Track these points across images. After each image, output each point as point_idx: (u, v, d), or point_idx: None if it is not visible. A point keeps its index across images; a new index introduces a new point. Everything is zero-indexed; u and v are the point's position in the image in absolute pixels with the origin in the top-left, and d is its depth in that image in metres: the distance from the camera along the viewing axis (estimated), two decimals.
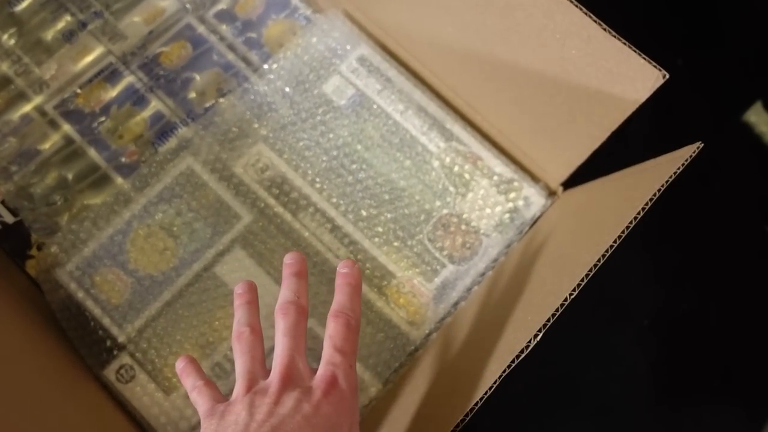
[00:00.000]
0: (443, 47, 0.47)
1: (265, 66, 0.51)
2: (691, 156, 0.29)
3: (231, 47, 0.53)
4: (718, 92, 0.70)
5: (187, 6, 0.54)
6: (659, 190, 0.28)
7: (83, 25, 0.53)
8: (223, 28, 0.54)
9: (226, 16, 0.55)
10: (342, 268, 0.33)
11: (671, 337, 0.58)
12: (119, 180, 0.49)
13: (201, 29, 0.54)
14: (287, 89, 0.50)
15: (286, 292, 0.32)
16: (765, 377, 0.58)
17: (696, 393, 0.57)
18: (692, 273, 0.62)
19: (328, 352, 0.30)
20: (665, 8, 0.70)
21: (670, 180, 0.29)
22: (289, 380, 0.29)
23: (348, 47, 0.51)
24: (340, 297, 0.32)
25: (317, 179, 0.48)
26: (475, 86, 0.48)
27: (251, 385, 0.29)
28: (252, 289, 0.33)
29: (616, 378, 0.56)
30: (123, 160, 0.49)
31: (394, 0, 0.48)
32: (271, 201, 0.47)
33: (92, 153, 0.50)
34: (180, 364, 0.33)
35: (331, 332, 0.30)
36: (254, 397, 0.28)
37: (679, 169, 0.28)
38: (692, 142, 0.35)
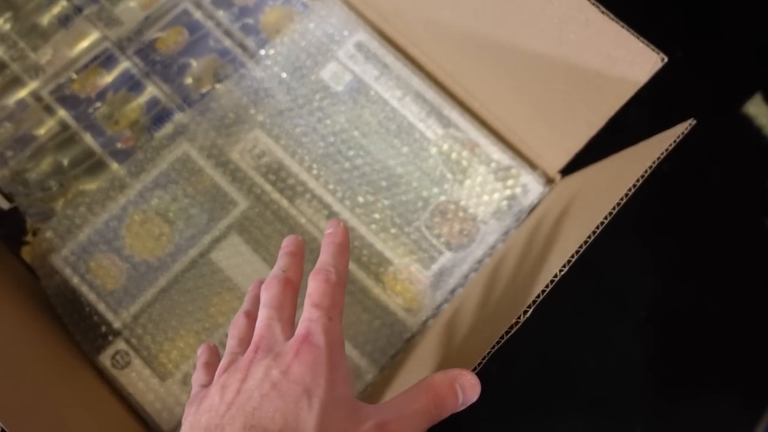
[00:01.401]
0: (441, 32, 0.47)
1: (262, 52, 0.51)
2: (683, 133, 0.29)
3: (227, 33, 0.53)
4: (717, 84, 0.70)
5: None
6: (650, 167, 0.28)
7: (79, 10, 0.53)
8: (220, 14, 0.54)
9: (222, 2, 0.54)
10: (328, 228, 0.32)
11: (669, 329, 0.58)
12: (115, 166, 0.48)
13: (197, 15, 0.53)
14: (284, 75, 0.50)
15: (273, 269, 0.31)
16: (762, 369, 0.58)
17: (693, 385, 0.57)
18: (690, 265, 0.62)
19: (305, 310, 0.28)
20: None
21: (662, 157, 0.28)
22: (261, 348, 0.27)
23: (345, 33, 0.51)
24: (322, 256, 0.30)
25: (314, 165, 0.48)
26: (473, 72, 0.47)
27: (229, 365, 0.28)
28: (258, 285, 0.34)
29: (613, 369, 0.56)
30: (119, 145, 0.49)
31: None
32: (268, 187, 0.47)
33: (88, 139, 0.49)
34: (199, 350, 0.34)
35: (309, 290, 0.29)
36: (227, 377, 0.27)
37: (670, 146, 0.28)
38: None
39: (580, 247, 0.28)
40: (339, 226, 0.32)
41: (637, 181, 0.29)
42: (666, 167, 0.72)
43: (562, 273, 0.28)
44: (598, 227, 0.28)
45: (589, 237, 0.27)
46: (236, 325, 0.31)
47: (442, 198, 0.47)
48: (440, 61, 0.49)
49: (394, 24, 0.51)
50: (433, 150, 0.48)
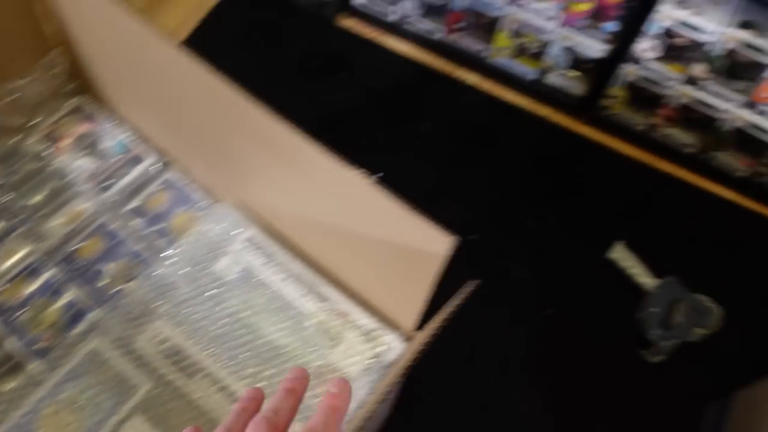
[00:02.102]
0: (314, 225, 0.57)
1: (169, 251, 0.61)
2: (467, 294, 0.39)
3: (141, 238, 0.63)
4: (587, 235, 0.82)
5: (104, 206, 0.64)
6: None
7: (13, 229, 0.62)
8: (135, 222, 0.64)
9: (138, 211, 0.65)
10: (332, 388, 0.31)
11: None
12: (32, 365, 0.55)
13: (114, 225, 0.64)
14: (186, 269, 0.59)
15: (268, 404, 0.31)
16: None
17: None
18: (577, 402, 0.69)
19: None
20: None
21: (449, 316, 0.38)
22: None
23: (238, 231, 0.61)
24: (316, 416, 0.30)
25: (210, 346, 0.55)
26: (339, 252, 0.57)
27: None
28: None
29: None
30: (39, 345, 0.56)
31: (279, 192, 0.59)
32: (169, 369, 0.54)
33: (11, 342, 0.56)
34: None
35: None
36: None
37: (460, 304, 0.37)
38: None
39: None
40: (344, 389, 0.31)
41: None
42: (548, 312, 0.82)
43: None
44: None
45: None
46: None
47: (319, 362, 0.55)
48: (314, 245, 0.59)
49: (280, 219, 0.61)
50: (312, 321, 0.56)
